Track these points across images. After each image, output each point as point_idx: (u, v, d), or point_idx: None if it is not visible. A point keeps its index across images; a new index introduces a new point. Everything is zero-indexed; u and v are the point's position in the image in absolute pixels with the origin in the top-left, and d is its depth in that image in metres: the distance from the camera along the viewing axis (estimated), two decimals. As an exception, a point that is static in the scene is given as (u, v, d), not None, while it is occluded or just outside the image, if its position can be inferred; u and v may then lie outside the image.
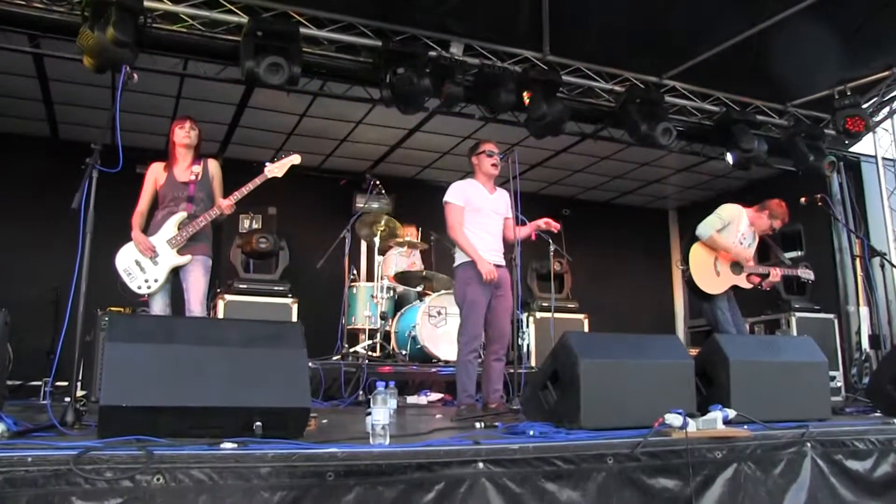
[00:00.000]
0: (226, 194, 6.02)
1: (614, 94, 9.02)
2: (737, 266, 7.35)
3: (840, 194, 10.72)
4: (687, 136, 9.92)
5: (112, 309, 7.15)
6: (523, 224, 6.30)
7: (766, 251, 7.75)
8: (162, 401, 3.61)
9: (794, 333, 9.70)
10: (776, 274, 7.45)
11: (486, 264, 5.83)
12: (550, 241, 9.41)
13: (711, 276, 7.29)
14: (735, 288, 7.43)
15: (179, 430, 3.56)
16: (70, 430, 4.06)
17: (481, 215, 6.07)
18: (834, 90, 9.48)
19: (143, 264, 5.80)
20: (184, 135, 6.04)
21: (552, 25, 8.14)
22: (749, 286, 7.42)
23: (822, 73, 9.41)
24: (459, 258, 6.02)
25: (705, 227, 7.33)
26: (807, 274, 7.76)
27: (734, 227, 7.43)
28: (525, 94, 8.18)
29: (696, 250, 7.34)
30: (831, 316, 10.26)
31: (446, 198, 6.07)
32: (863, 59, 9.16)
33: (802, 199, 8.01)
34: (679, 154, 10.54)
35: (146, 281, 5.79)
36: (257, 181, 5.99)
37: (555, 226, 6.24)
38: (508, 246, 6.28)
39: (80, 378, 5.70)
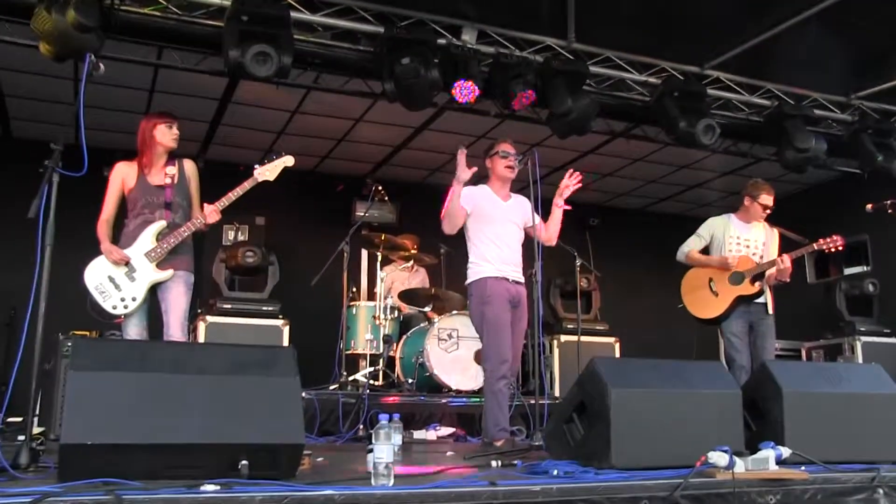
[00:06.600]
0: (204, 200, 6.00)
1: (649, 86, 9.01)
2: (737, 275, 7.25)
3: (914, 199, 10.66)
4: (732, 135, 9.90)
5: (76, 332, 7.16)
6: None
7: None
8: (133, 438, 3.61)
9: (860, 360, 9.66)
10: (783, 260, 7.17)
11: (458, 188, 5.98)
12: (576, 254, 9.40)
13: (708, 300, 7.34)
14: (745, 299, 7.26)
15: (153, 470, 3.55)
16: (24, 474, 4.03)
17: (494, 225, 6.09)
18: (908, 78, 9.44)
19: (118, 280, 5.73)
20: (172, 136, 6.01)
21: (578, 9, 8.12)
22: (757, 289, 7.25)
23: (894, 58, 9.34)
24: (472, 275, 6.02)
25: (681, 249, 7.52)
26: (832, 243, 7.33)
27: (721, 237, 7.45)
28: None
29: (687, 279, 7.50)
30: (903, 340, 10.19)
31: None
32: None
33: (869, 207, 7.95)
34: (723, 155, 10.53)
35: (122, 300, 5.71)
36: (246, 185, 5.96)
37: (577, 177, 6.23)
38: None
39: (38, 412, 5.70)
